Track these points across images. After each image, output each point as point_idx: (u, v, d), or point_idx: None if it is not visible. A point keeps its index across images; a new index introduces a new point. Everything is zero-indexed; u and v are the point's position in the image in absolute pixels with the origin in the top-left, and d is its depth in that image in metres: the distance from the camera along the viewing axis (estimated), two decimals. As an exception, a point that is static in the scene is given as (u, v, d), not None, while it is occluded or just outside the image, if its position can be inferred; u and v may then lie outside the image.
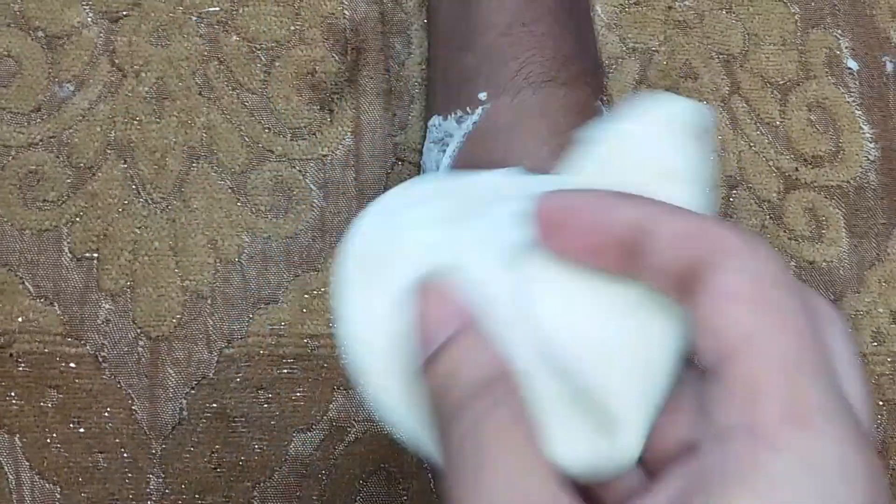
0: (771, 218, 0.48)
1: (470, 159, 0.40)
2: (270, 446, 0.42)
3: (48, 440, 0.41)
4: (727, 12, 0.51)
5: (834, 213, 0.49)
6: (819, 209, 0.49)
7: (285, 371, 0.43)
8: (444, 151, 0.41)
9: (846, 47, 0.52)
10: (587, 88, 0.41)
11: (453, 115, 0.41)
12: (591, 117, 0.40)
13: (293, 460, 0.42)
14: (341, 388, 0.43)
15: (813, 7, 0.52)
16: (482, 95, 0.40)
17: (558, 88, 0.40)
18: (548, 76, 0.40)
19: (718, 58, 0.50)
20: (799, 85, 0.51)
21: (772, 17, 0.51)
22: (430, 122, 0.42)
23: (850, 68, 0.51)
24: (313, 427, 0.42)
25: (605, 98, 0.43)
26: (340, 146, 0.46)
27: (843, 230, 0.49)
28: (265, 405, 0.42)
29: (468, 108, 0.40)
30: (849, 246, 0.48)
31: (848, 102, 0.51)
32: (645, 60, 0.49)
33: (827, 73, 0.51)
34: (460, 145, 0.40)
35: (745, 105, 0.49)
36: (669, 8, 0.50)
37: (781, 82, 0.50)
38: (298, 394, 0.43)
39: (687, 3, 0.50)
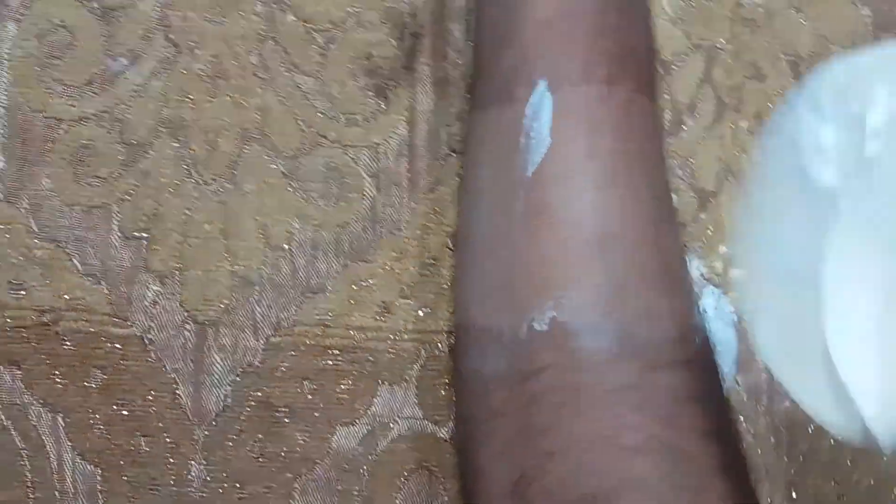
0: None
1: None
2: (313, 438, 0.42)
3: (91, 421, 0.41)
4: (797, 11, 0.49)
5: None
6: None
7: (330, 362, 0.42)
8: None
9: (917, 52, 0.50)
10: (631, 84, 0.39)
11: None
12: (639, 116, 0.38)
13: (335, 454, 0.42)
14: (386, 382, 0.42)
15: (885, 10, 0.50)
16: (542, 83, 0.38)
17: (601, 86, 0.38)
18: (588, 73, 0.38)
19: (786, 59, 0.48)
20: (866, 90, 0.49)
21: (842, 20, 0.50)
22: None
23: (920, 74, 0.50)
24: (356, 421, 0.42)
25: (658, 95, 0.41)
26: (394, 135, 0.45)
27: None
28: (309, 396, 0.42)
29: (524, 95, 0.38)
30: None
31: (916, 110, 0.49)
32: (710, 58, 0.48)
33: None
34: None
35: (810, 109, 0.48)
36: (738, 4, 0.48)
37: (848, 86, 0.49)
38: (343, 386, 0.42)
39: (756, 0, 0.49)
